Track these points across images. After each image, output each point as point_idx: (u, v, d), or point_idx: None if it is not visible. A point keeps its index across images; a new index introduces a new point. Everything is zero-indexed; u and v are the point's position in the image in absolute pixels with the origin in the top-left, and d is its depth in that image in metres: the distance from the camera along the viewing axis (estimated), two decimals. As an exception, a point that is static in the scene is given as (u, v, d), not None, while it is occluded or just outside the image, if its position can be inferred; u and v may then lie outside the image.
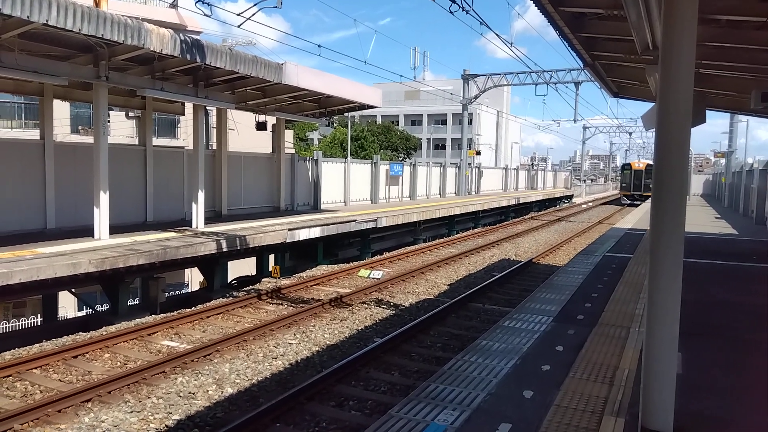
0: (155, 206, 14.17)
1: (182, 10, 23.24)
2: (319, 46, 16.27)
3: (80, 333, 8.66)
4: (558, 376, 4.78)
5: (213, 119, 18.37)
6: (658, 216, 3.46)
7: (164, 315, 9.77)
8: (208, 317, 9.65)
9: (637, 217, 22.92)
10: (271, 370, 7.18)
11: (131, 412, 5.86)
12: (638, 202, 41.30)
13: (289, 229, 13.36)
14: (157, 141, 17.03)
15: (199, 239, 11.27)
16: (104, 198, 10.93)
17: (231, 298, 10.87)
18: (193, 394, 6.38)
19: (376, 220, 16.84)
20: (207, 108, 16.38)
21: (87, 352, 7.73)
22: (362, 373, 7.02)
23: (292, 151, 28.46)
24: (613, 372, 4.89)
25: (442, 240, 20.54)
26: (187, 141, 22.89)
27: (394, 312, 10.16)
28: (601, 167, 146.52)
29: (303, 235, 13.73)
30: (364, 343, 8.23)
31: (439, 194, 30.99)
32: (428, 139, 71.76)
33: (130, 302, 11.38)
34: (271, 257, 14.06)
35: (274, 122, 18.04)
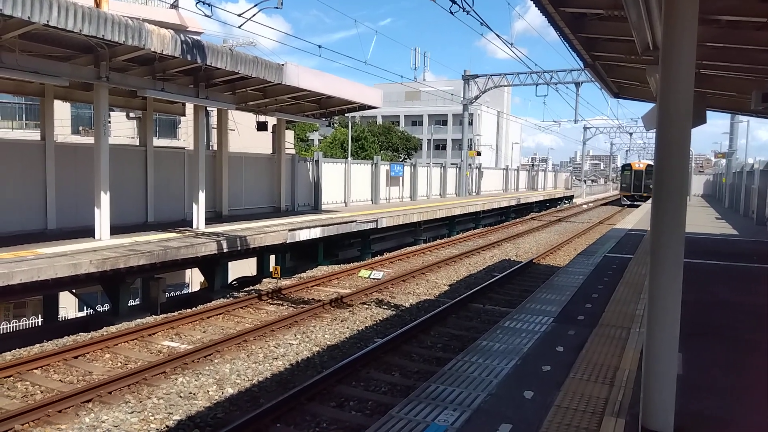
0: (156, 207, 14.18)
1: (183, 11, 23.27)
2: (319, 46, 16.27)
3: (81, 333, 8.67)
4: (558, 377, 4.77)
5: (214, 120, 18.37)
6: (658, 216, 3.46)
7: (165, 315, 9.77)
8: (208, 318, 9.65)
9: (638, 218, 22.92)
10: (272, 371, 7.18)
11: (132, 412, 5.87)
12: (638, 203, 41.11)
13: (290, 230, 13.36)
14: (157, 141, 17.04)
15: (199, 240, 11.27)
16: (105, 198, 10.94)
17: (231, 299, 10.87)
18: (194, 394, 6.38)
19: (376, 221, 16.84)
20: (207, 108, 16.39)
21: (88, 353, 7.73)
22: (363, 373, 7.02)
23: (293, 151, 28.48)
24: (614, 372, 4.89)
25: (442, 240, 20.54)
26: (188, 141, 22.92)
27: (394, 312, 10.16)
28: (602, 168, 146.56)
29: (303, 235, 13.73)
30: (364, 344, 8.23)
31: (440, 195, 30.99)
32: (429, 140, 71.79)
33: (131, 303, 11.38)
34: (272, 258, 14.07)
35: (275, 123, 18.05)
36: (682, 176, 3.42)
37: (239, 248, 11.75)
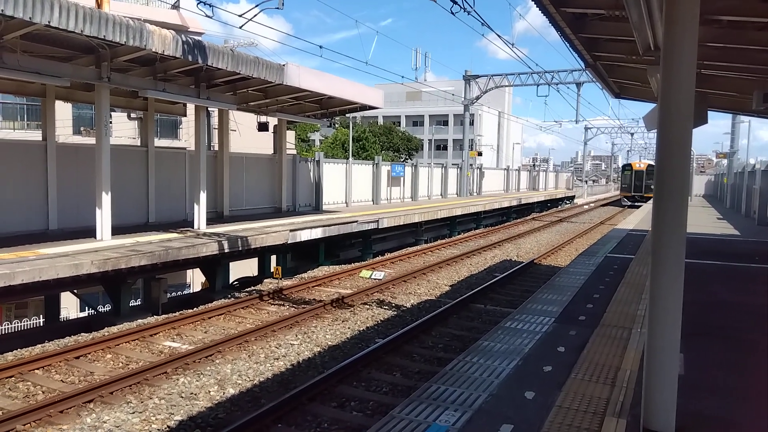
0: (157, 207, 14.19)
1: (184, 12, 23.29)
2: (320, 47, 16.27)
3: (82, 334, 8.68)
4: (559, 377, 4.77)
5: (215, 120, 18.39)
6: (659, 217, 3.46)
7: (166, 316, 9.78)
8: (209, 318, 9.66)
9: (639, 218, 22.90)
10: (273, 371, 7.18)
11: (133, 412, 5.87)
12: (639, 204, 40.84)
13: (291, 230, 13.37)
14: (158, 142, 17.05)
15: (200, 240, 11.28)
16: (106, 199, 10.96)
17: (233, 299, 10.88)
18: (195, 394, 6.38)
19: (377, 221, 16.84)
20: (209, 109, 16.40)
21: (89, 353, 7.74)
22: (364, 373, 7.02)
23: (294, 152, 28.52)
24: (615, 373, 4.89)
25: (443, 241, 20.53)
26: (189, 142, 22.95)
27: (395, 313, 10.16)
28: (603, 168, 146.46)
29: (305, 235, 13.74)
30: (365, 344, 8.23)
31: (441, 195, 31.00)
32: (430, 140, 71.81)
33: (132, 303, 11.39)
34: (273, 258, 14.07)
35: (276, 123, 18.07)
36: (684, 176, 3.42)
37: (240, 248, 11.75)
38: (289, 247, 13.81)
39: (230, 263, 12.94)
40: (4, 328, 16.70)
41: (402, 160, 55.83)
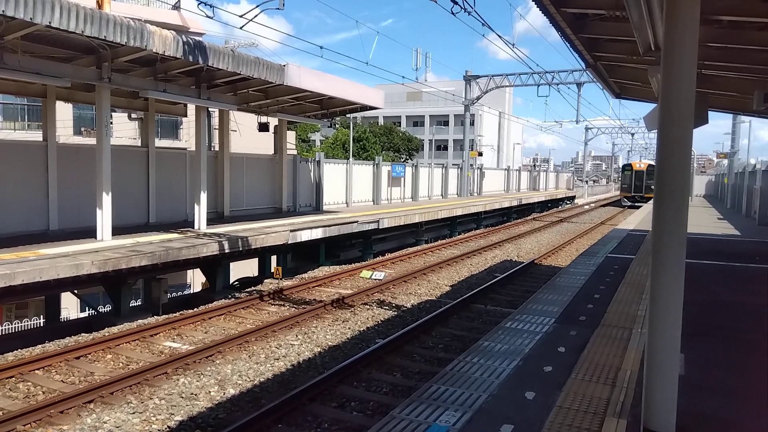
0: (158, 207, 14.20)
1: (185, 12, 23.29)
2: (321, 47, 16.28)
3: (83, 334, 8.69)
4: (560, 377, 4.77)
5: (215, 121, 18.40)
6: (660, 217, 3.46)
7: (166, 316, 9.78)
8: (210, 318, 9.66)
9: (640, 218, 22.89)
10: (273, 371, 7.18)
11: (133, 413, 5.87)
12: (639, 204, 40.61)
13: (291, 231, 13.37)
14: (159, 142, 17.05)
15: (201, 240, 11.29)
16: (107, 199, 10.96)
17: (233, 299, 10.88)
18: (195, 395, 6.38)
19: (378, 221, 16.84)
20: (209, 109, 16.41)
21: (89, 353, 7.74)
22: (364, 374, 7.02)
23: (294, 152, 28.51)
24: (616, 373, 4.88)
25: (444, 241, 20.53)
26: (190, 142, 22.94)
27: (396, 313, 10.16)
28: (604, 168, 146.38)
29: (305, 236, 13.74)
30: (366, 344, 8.23)
31: (441, 195, 31.00)
32: (430, 140, 71.82)
33: (133, 303, 11.39)
34: (273, 258, 14.07)
35: (276, 123, 18.08)
36: (684, 177, 3.42)
37: (241, 249, 11.75)
38: (289, 247, 13.81)
39: (231, 263, 12.94)
40: (5, 329, 16.70)
41: (402, 160, 55.84)
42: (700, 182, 49.40)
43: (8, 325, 17.17)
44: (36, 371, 7.09)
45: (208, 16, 11.32)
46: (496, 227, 26.35)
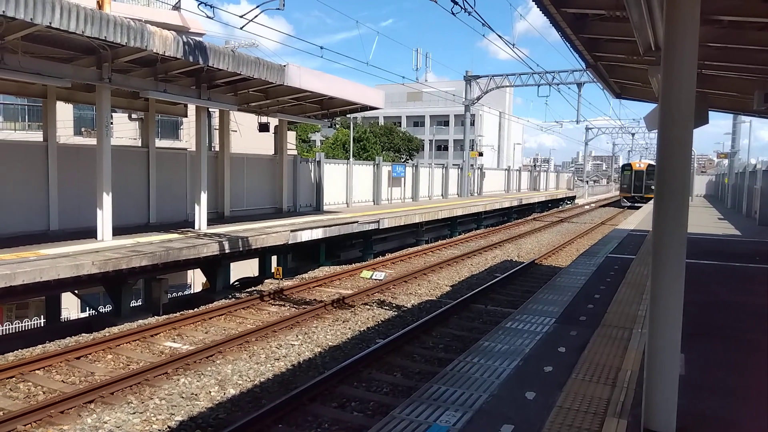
0: (158, 208, 14.20)
1: (185, 12, 23.29)
2: (321, 47, 16.30)
3: (83, 334, 8.69)
4: (560, 378, 4.77)
5: (216, 121, 18.41)
6: (660, 217, 3.46)
7: (167, 316, 9.78)
8: (210, 318, 9.66)
9: (640, 218, 22.88)
10: (274, 371, 7.19)
11: (134, 413, 5.88)
12: (639, 205, 40.19)
13: (292, 231, 13.37)
14: (159, 143, 17.07)
15: (201, 240, 11.29)
16: (107, 199, 10.97)
17: (233, 300, 10.88)
18: (196, 395, 6.39)
19: (378, 222, 16.85)
20: (209, 110, 16.43)
21: (90, 353, 7.75)
22: (364, 374, 7.02)
23: (295, 152, 28.53)
24: (616, 373, 4.88)
25: (444, 241, 20.54)
26: (190, 143, 22.95)
27: (396, 313, 10.16)
28: (604, 168, 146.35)
29: (305, 236, 13.74)
30: (366, 344, 8.23)
31: (442, 195, 31.00)
32: (430, 141, 71.84)
33: (133, 303, 11.40)
34: (274, 258, 14.08)
35: (277, 124, 18.08)
36: (684, 177, 3.42)
37: (241, 249, 11.76)
38: (289, 247, 13.81)
39: (231, 264, 12.94)
40: (6, 329, 16.71)
41: (403, 160, 55.85)
42: (700, 182, 49.35)
43: (9, 325, 17.17)
44: (36, 371, 7.09)
45: (208, 17, 11.34)
46: (497, 227, 26.35)
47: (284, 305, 10.70)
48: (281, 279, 13.18)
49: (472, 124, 46.26)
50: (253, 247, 12.11)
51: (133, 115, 22.58)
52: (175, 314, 9.82)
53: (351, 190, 22.54)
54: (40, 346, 8.05)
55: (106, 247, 10.17)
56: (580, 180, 70.43)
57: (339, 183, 22.01)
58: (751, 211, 23.43)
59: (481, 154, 41.08)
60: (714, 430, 3.88)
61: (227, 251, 11.36)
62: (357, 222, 16.02)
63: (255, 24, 12.97)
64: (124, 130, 22.84)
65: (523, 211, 34.21)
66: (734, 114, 27.79)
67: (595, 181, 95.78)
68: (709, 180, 52.00)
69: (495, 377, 4.79)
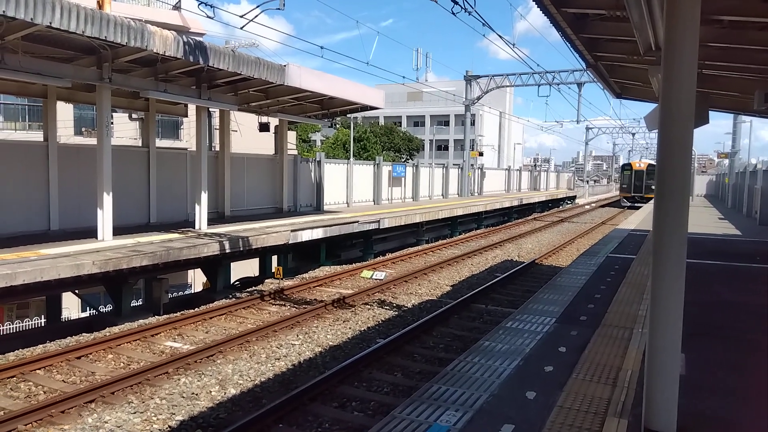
0: (158, 207, 14.21)
1: (185, 12, 23.30)
2: (321, 47, 16.32)
3: (84, 334, 8.69)
4: (561, 377, 4.77)
5: (216, 121, 18.41)
6: (661, 217, 3.46)
7: (167, 316, 9.79)
8: (211, 318, 9.66)
9: (641, 218, 22.88)
10: (274, 371, 7.19)
11: (134, 412, 5.88)
12: (639, 205, 39.75)
13: (292, 230, 13.37)
14: (160, 142, 17.08)
15: (202, 240, 11.29)
16: (107, 199, 10.97)
17: (234, 299, 10.88)
18: (196, 394, 6.39)
19: (378, 221, 16.85)
20: (210, 109, 16.43)
21: (90, 353, 7.75)
22: (365, 374, 7.02)
23: (295, 152, 28.52)
24: (616, 373, 4.88)
25: (444, 241, 20.53)
26: (190, 142, 22.96)
27: (396, 313, 10.16)
28: (605, 168, 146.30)
29: (306, 236, 13.74)
30: (366, 344, 8.23)
31: (442, 195, 30.99)
32: (431, 140, 71.82)
33: (134, 303, 11.40)
34: (274, 258, 14.08)
35: (277, 124, 18.08)
36: (685, 176, 3.42)
37: (242, 249, 11.76)
38: (290, 247, 13.82)
39: (231, 263, 12.95)
40: (6, 329, 16.72)
41: (403, 160, 55.84)
42: (700, 182, 49.29)
43: (9, 324, 17.18)
44: (37, 371, 7.10)
45: (208, 17, 11.35)
46: (497, 227, 26.35)
47: (285, 305, 10.70)
48: (282, 279, 13.19)
49: (473, 124, 46.25)
50: (254, 247, 12.11)
51: (134, 115, 22.59)
52: (175, 314, 9.83)
53: (351, 190, 22.54)
54: (41, 345, 8.05)
55: (107, 246, 10.18)
56: (581, 180, 70.44)
57: (339, 183, 22.01)
58: (751, 210, 23.42)
59: (481, 154, 41.07)
60: (714, 430, 3.88)
61: (228, 251, 11.37)
62: (357, 222, 16.03)
63: (255, 24, 12.99)
64: (125, 130, 22.85)
65: (523, 210, 34.20)
66: (735, 114, 27.78)
67: (595, 181, 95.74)
68: (709, 180, 51.95)
69: (495, 377, 4.79)
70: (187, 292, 17.60)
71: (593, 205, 46.64)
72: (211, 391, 6.49)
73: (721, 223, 21.12)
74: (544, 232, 24.86)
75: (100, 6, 12.76)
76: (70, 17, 8.13)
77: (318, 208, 20.19)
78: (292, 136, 29.31)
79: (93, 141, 12.72)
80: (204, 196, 13.36)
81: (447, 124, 74.31)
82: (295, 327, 9.13)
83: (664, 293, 3.42)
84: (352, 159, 30.34)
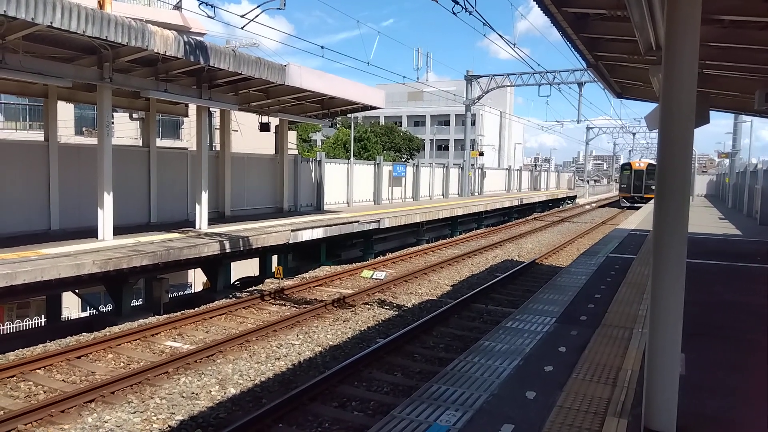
0: (159, 207, 14.21)
1: (186, 12, 23.31)
2: (322, 47, 16.28)
3: (84, 333, 8.69)
4: (561, 377, 4.77)
5: (216, 121, 18.42)
6: (661, 217, 3.46)
7: (167, 316, 9.79)
8: (211, 318, 9.67)
9: (641, 218, 22.87)
10: (274, 371, 7.19)
11: (134, 412, 5.88)
12: (639, 205, 39.03)
13: (292, 230, 13.37)
14: (160, 142, 17.09)
15: (202, 240, 11.30)
16: (108, 199, 10.97)
17: (234, 299, 10.89)
18: (196, 394, 6.39)
19: (379, 221, 16.85)
20: (210, 109, 16.44)
21: (90, 353, 7.75)
22: (365, 373, 7.02)
23: (296, 152, 28.52)
24: (616, 373, 4.88)
25: (445, 241, 20.53)
26: (191, 142, 22.97)
27: (396, 313, 10.16)
28: (605, 168, 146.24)
29: (306, 235, 13.74)
30: (366, 344, 8.23)
31: (442, 195, 30.99)
32: (431, 140, 71.79)
33: (134, 303, 11.41)
34: (274, 258, 14.08)
35: (278, 123, 18.08)
36: (685, 176, 3.42)
37: (242, 248, 11.76)
38: (290, 247, 13.82)
39: (231, 263, 12.95)
40: (6, 328, 16.73)
41: (403, 160, 55.83)
42: (701, 182, 49.20)
43: (9, 324, 17.19)
44: (37, 371, 7.10)
45: (209, 17, 11.37)
46: (497, 227, 26.34)
47: (285, 305, 10.70)
48: (282, 278, 13.19)
49: (473, 123, 46.23)
50: (254, 247, 12.11)
51: (134, 115, 22.61)
52: (175, 314, 9.83)
53: (352, 190, 22.54)
54: (41, 345, 8.05)
55: (107, 246, 10.18)
56: (581, 180, 70.42)
57: (340, 183, 22.01)
58: (752, 210, 23.41)
59: (481, 154, 41.05)
60: (714, 430, 3.88)
61: (228, 251, 11.37)
62: (358, 222, 16.03)
63: (256, 24, 12.98)
64: (125, 129, 22.85)
65: (523, 210, 34.19)
66: (735, 114, 27.76)
67: (596, 181, 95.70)
68: (709, 180, 51.87)
69: (495, 377, 4.79)
70: (187, 292, 17.61)
71: (593, 205, 46.61)
72: (211, 391, 6.49)
73: (721, 222, 21.11)
74: (545, 231, 24.86)
75: (101, 6, 12.76)
76: (71, 17, 8.13)
77: (318, 207, 20.19)
78: (292, 136, 29.33)
79: (93, 141, 12.73)
80: (204, 196, 13.36)
81: (447, 123, 74.30)
82: (295, 327, 9.13)
83: (664, 293, 3.42)
84: (352, 159, 30.35)
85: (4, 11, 7.31)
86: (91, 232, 11.20)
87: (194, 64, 10.80)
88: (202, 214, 13.25)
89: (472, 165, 35.99)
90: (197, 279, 19.10)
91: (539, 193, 42.86)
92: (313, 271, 14.24)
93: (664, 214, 3.43)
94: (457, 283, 13.06)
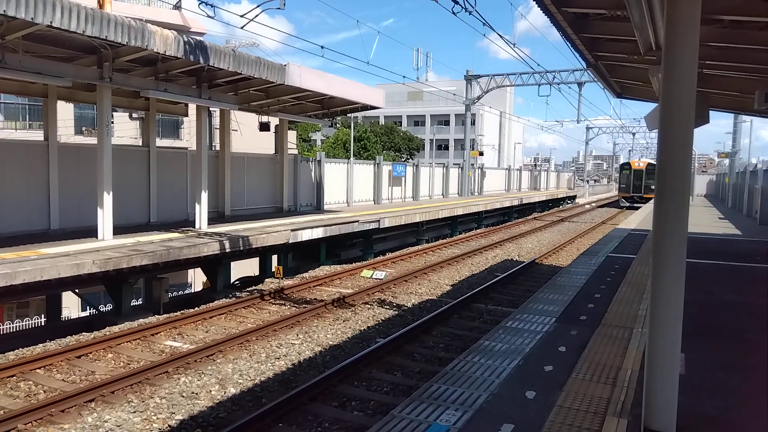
0: (158, 207, 14.21)
1: (186, 12, 23.30)
2: (322, 47, 16.27)
3: (84, 333, 8.70)
4: (561, 377, 4.77)
5: (216, 120, 18.41)
6: (661, 216, 3.46)
7: (167, 315, 9.79)
8: (211, 317, 9.67)
9: (641, 218, 22.87)
10: (274, 371, 7.19)
11: (134, 412, 5.88)
12: (639, 205, 38.76)
13: (292, 230, 13.37)
14: (160, 142, 17.09)
15: (202, 240, 11.30)
16: (108, 199, 10.97)
17: (234, 299, 10.89)
18: (196, 394, 6.39)
19: (378, 221, 16.85)
20: (210, 109, 16.44)
21: (90, 352, 7.75)
22: (365, 373, 7.02)
23: (295, 151, 28.53)
24: (616, 373, 4.88)
25: (445, 240, 20.54)
26: (191, 142, 22.97)
27: (396, 312, 10.16)
28: (605, 168, 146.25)
29: (306, 235, 13.75)
30: (366, 344, 8.23)
31: (442, 195, 30.99)
32: (431, 140, 71.81)
33: (134, 302, 11.41)
34: (274, 258, 14.09)
35: (277, 123, 18.08)
36: (685, 176, 3.42)
37: (242, 248, 11.76)
38: (290, 246, 13.82)
39: (231, 263, 12.95)
40: (6, 328, 16.73)
41: (403, 159, 55.83)
42: (701, 182, 49.17)
43: (9, 324, 17.19)
44: (37, 370, 7.10)
45: (209, 16, 11.35)
46: (497, 227, 26.35)
47: (285, 304, 10.70)
48: (282, 278, 13.19)
49: (473, 123, 46.22)
50: (254, 247, 12.11)
51: (134, 115, 22.55)
52: (175, 313, 9.83)
53: (351, 190, 22.54)
54: (41, 345, 8.06)
55: (107, 246, 10.18)
56: (581, 179, 70.42)
57: (339, 182, 22.01)
58: (751, 210, 23.41)
59: (481, 154, 41.06)
60: (714, 430, 3.88)
61: (228, 250, 11.37)
62: (357, 221, 16.03)
63: (256, 23, 12.98)
64: (125, 129, 22.83)
65: (523, 210, 34.19)
66: (735, 113, 27.77)
67: (595, 181, 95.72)
68: (709, 179, 51.83)
69: (495, 376, 4.79)
70: (187, 292, 17.62)
71: (593, 204, 46.60)
72: (211, 391, 6.49)
73: (721, 222, 21.12)
74: (544, 231, 24.86)
75: (101, 5, 12.76)
76: (71, 17, 8.13)
77: (318, 207, 20.19)
78: (292, 136, 29.33)
79: (93, 140, 12.73)
80: (204, 196, 13.36)
81: (447, 123, 74.30)
82: (295, 326, 9.13)
83: (664, 293, 3.42)
84: (352, 158, 30.35)
85: (4, 11, 7.31)
86: (90, 232, 11.19)
87: (194, 63, 10.80)
88: (201, 213, 13.25)
89: (472, 165, 36.00)
90: (197, 279, 19.11)
91: (539, 192, 42.85)
92: (312, 270, 14.24)
93: (664, 214, 3.43)
94: (457, 282, 13.06)
